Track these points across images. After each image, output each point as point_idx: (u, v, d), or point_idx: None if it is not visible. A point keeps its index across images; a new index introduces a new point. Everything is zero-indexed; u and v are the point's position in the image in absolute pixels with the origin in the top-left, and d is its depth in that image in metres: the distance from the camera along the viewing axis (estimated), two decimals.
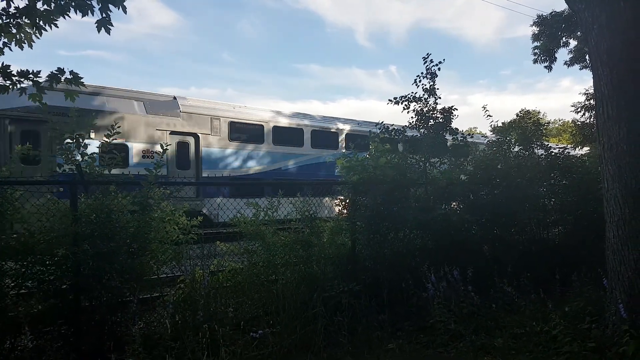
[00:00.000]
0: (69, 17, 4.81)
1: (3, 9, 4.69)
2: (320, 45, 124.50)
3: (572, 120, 31.10)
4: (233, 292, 5.53)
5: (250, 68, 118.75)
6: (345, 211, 6.55)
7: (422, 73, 7.51)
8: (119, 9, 4.78)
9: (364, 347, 5.09)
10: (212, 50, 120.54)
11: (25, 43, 4.87)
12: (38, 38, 4.91)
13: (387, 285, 5.88)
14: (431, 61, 7.44)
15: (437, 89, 7.50)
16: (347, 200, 6.51)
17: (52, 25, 4.84)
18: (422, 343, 5.21)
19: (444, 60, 7.44)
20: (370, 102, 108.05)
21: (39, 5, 4.74)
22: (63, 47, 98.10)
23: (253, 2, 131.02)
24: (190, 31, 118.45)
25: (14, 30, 4.78)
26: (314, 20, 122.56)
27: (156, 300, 5.22)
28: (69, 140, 4.96)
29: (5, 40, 4.81)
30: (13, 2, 4.68)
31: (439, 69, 7.48)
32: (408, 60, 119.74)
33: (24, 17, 4.75)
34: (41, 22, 4.80)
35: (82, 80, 5.04)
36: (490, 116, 8.49)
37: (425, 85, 7.47)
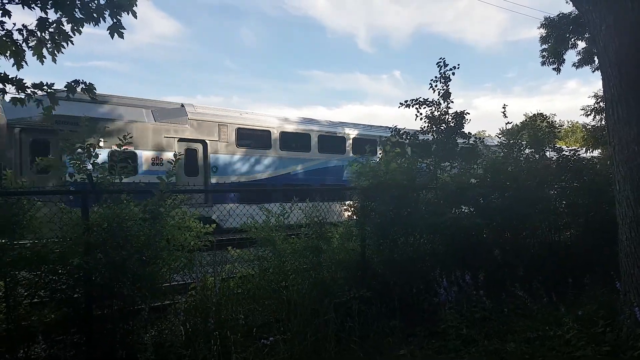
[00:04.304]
0: (82, 28, 4.91)
1: (23, 25, 4.79)
2: (322, 51, 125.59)
3: (583, 125, 30.90)
4: (244, 299, 5.53)
5: (253, 75, 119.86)
6: (355, 216, 6.54)
7: (436, 77, 7.53)
8: (128, 14, 4.86)
9: (376, 353, 5.07)
10: (214, 58, 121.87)
11: (45, 58, 4.97)
12: (58, 53, 5.00)
13: (397, 290, 5.86)
14: (445, 65, 7.46)
15: (451, 93, 7.53)
16: (357, 205, 6.50)
17: (68, 41, 4.94)
18: (434, 348, 5.18)
19: (458, 65, 7.47)
20: (375, 107, 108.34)
21: (52, 16, 4.85)
22: (69, 59, 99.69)
23: (253, 10, 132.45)
24: (192, 40, 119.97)
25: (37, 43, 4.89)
26: (315, 27, 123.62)
27: (168, 308, 5.24)
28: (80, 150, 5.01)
29: (27, 53, 4.91)
30: (31, 8, 4.77)
31: (453, 73, 7.50)
32: (411, 64, 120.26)
33: (42, 33, 4.84)
34: (60, 38, 4.90)
35: (95, 91, 5.12)
36: (506, 116, 8.47)
37: (440, 89, 7.50)
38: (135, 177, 13.68)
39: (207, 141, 15.32)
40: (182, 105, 15.48)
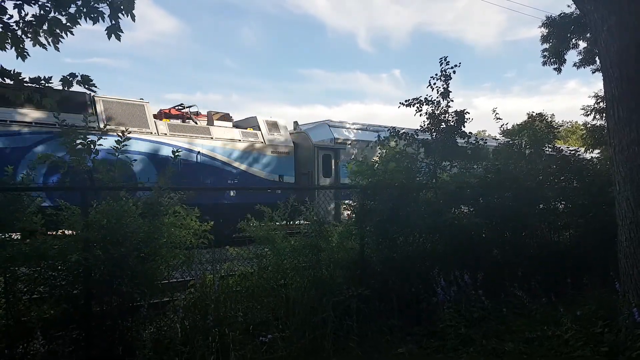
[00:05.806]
0: (79, 24, 4.87)
1: (21, 17, 4.75)
2: (322, 51, 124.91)
3: (583, 124, 30.84)
4: (243, 296, 5.53)
5: (253, 74, 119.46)
6: (354, 215, 6.54)
7: (436, 74, 7.51)
8: (127, 16, 4.84)
9: (374, 352, 5.08)
10: (214, 56, 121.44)
11: (50, 45, 4.93)
12: (59, 43, 4.96)
13: (396, 289, 5.86)
14: (447, 63, 7.44)
15: (451, 91, 7.52)
16: (356, 205, 6.50)
17: (67, 32, 4.90)
18: (432, 347, 5.18)
19: (459, 64, 7.45)
20: (375, 106, 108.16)
21: (51, 14, 4.81)
22: (68, 55, 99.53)
23: (253, 9, 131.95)
24: (191, 38, 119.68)
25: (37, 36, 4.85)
26: (315, 26, 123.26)
27: (166, 305, 5.24)
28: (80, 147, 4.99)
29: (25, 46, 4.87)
30: (24, 10, 4.74)
31: (454, 72, 7.48)
32: (411, 64, 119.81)
33: (40, 26, 4.81)
34: (58, 30, 4.85)
35: (92, 82, 5.06)
36: (500, 119, 8.47)
37: (439, 87, 7.48)
38: None
39: None
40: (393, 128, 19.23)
